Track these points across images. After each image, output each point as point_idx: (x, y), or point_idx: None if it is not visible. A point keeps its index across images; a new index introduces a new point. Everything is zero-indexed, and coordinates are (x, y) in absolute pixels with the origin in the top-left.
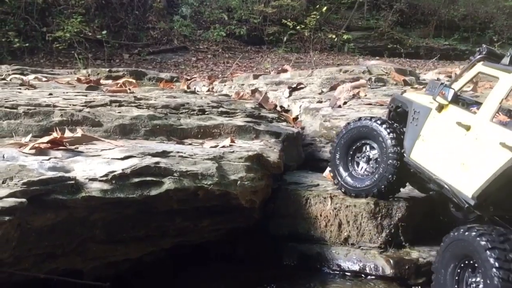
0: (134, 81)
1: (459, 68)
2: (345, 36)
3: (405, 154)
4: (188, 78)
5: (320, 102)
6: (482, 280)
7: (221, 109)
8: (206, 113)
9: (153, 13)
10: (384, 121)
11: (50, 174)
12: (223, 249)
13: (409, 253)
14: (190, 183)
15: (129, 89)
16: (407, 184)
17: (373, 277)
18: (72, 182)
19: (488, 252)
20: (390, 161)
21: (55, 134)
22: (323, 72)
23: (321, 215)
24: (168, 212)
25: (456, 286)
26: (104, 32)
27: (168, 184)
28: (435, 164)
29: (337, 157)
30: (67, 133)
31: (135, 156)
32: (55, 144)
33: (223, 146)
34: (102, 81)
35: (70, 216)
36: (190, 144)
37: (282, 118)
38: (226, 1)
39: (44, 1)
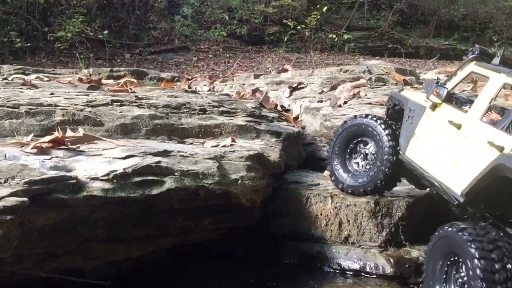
0: (135, 80)
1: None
2: (345, 36)
3: (400, 152)
4: (189, 77)
5: (321, 101)
6: (466, 274)
7: (222, 108)
8: (207, 112)
9: (154, 13)
10: (379, 117)
11: (52, 173)
12: (224, 248)
13: (409, 252)
14: (191, 182)
15: (131, 88)
16: (406, 182)
17: (373, 276)
18: (74, 181)
19: (469, 244)
20: (386, 156)
21: (57, 134)
22: (323, 71)
23: (321, 214)
24: (169, 211)
25: (444, 283)
26: (106, 32)
27: (169, 183)
28: (428, 162)
29: (335, 155)
30: (69, 133)
31: (136, 156)
32: (57, 143)
33: (224, 146)
34: (103, 81)
35: (71, 215)
36: (191, 143)
37: (283, 118)
38: (227, 1)
39: (45, 1)
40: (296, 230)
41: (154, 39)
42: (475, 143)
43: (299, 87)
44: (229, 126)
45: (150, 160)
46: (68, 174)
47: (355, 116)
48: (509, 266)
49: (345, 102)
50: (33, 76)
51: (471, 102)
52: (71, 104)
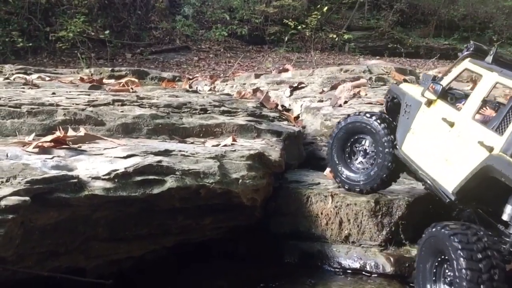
0: (136, 80)
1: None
2: (346, 36)
3: (397, 146)
4: (190, 77)
5: (321, 101)
6: (452, 268)
7: (223, 108)
8: (208, 112)
9: (155, 13)
10: (373, 113)
11: (53, 172)
12: (225, 247)
13: (409, 251)
14: (192, 182)
15: (132, 88)
16: (406, 181)
17: (373, 275)
18: (75, 180)
19: (452, 238)
20: (387, 149)
21: (58, 133)
22: (324, 71)
23: (322, 213)
24: (170, 210)
25: (434, 282)
26: (107, 32)
27: (170, 182)
28: (422, 158)
29: (335, 155)
30: (70, 132)
31: (137, 155)
32: (58, 143)
33: (225, 145)
34: (104, 81)
35: (73, 214)
36: (192, 143)
37: (283, 117)
38: (228, 1)
39: (47, 1)
40: (297, 229)
41: (155, 39)
42: (466, 142)
43: (299, 86)
44: (230, 126)
45: (151, 159)
46: (70, 173)
47: (348, 115)
48: (489, 253)
49: (346, 102)
50: (34, 76)
51: (467, 97)
52: (73, 104)
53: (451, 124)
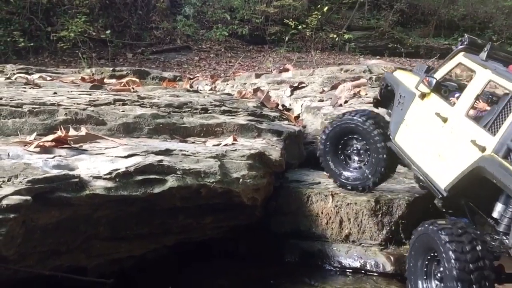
0: (137, 80)
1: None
2: (346, 36)
3: (390, 136)
4: (191, 77)
5: (322, 101)
6: (441, 261)
7: (223, 108)
8: (208, 111)
9: (156, 13)
10: (357, 112)
11: (55, 172)
12: (225, 246)
13: None
14: (193, 181)
15: (133, 88)
16: (406, 180)
17: (373, 274)
18: (76, 180)
19: (439, 232)
20: (379, 144)
21: (60, 133)
22: (324, 71)
23: (322, 213)
24: (171, 209)
25: (425, 279)
26: (108, 31)
27: (171, 182)
28: (415, 151)
29: (330, 159)
30: (72, 132)
31: (138, 154)
32: (60, 142)
33: (226, 145)
34: (106, 80)
35: (74, 213)
36: (193, 142)
37: (284, 117)
38: (228, 1)
39: (48, 1)
40: (297, 228)
41: (156, 38)
42: (459, 140)
43: (300, 86)
44: (230, 125)
45: (152, 159)
46: (71, 173)
47: (338, 116)
48: (478, 248)
49: (346, 102)
50: (36, 76)
51: (459, 89)
52: (74, 103)
53: (445, 120)
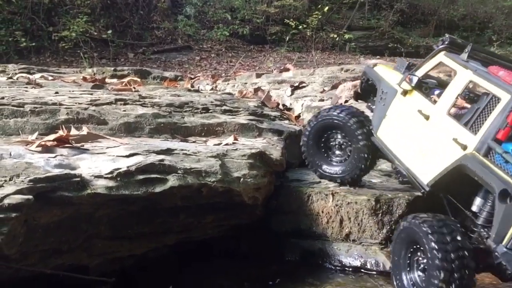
0: (138, 80)
1: None
2: (346, 36)
3: (372, 131)
4: (192, 77)
5: (322, 100)
6: (424, 252)
7: (224, 107)
8: (209, 111)
9: (157, 13)
10: (343, 109)
11: (56, 171)
12: (226, 246)
13: None
14: (194, 180)
15: (134, 87)
16: None
17: (374, 272)
18: (78, 179)
19: (421, 225)
20: (361, 142)
21: (61, 132)
22: (324, 71)
23: (322, 212)
24: (172, 208)
25: (408, 270)
26: (109, 31)
27: (172, 181)
28: (398, 147)
29: (311, 151)
30: (73, 131)
31: (140, 154)
32: (61, 142)
33: (227, 144)
34: (107, 80)
35: (76, 212)
36: (194, 141)
37: (285, 116)
38: (229, 1)
39: (50, 1)
40: (298, 227)
41: (157, 38)
42: (441, 137)
43: (300, 86)
44: (231, 125)
45: (154, 158)
46: (73, 172)
47: (319, 113)
48: (458, 238)
49: (346, 101)
50: (37, 75)
51: (439, 87)
52: (76, 103)
53: (427, 117)
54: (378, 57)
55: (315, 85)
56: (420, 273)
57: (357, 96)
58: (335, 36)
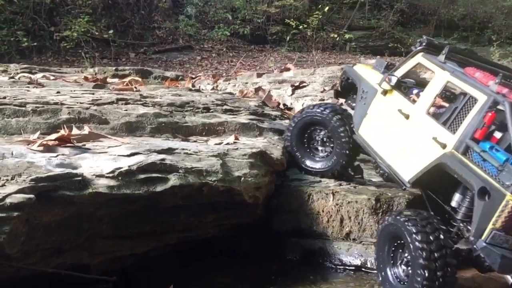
0: (140, 79)
1: None
2: (346, 36)
3: (354, 129)
4: (193, 76)
5: (322, 100)
6: (407, 249)
7: (225, 107)
8: (210, 111)
9: (158, 13)
10: (326, 106)
11: (58, 170)
12: (227, 245)
13: None
14: (195, 179)
15: (135, 87)
16: None
17: (374, 271)
18: (79, 178)
19: (406, 223)
20: (343, 139)
21: (63, 132)
22: (325, 70)
23: (323, 211)
24: (173, 207)
25: (392, 265)
26: (111, 31)
27: (173, 180)
28: (379, 144)
29: (295, 147)
30: (75, 131)
31: (141, 153)
32: (63, 141)
33: (227, 143)
34: (108, 80)
35: (77, 211)
36: (195, 141)
37: (285, 116)
38: (230, 1)
39: (52, 1)
40: (298, 226)
41: (158, 38)
42: (421, 136)
43: (301, 85)
44: (232, 124)
45: (155, 157)
46: (74, 171)
47: (302, 109)
48: (441, 237)
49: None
50: (39, 75)
51: (416, 86)
52: (77, 103)
53: (407, 117)
54: (378, 56)
55: (315, 84)
56: (404, 267)
57: (337, 94)
58: (336, 36)
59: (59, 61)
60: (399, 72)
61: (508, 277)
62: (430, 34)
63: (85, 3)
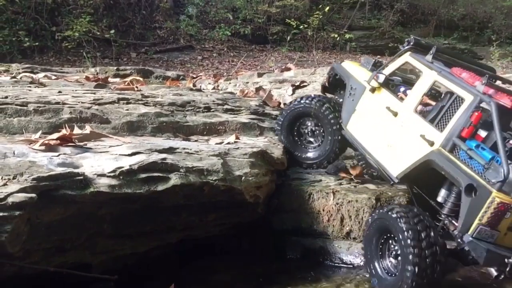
0: (141, 79)
1: None
2: (347, 35)
3: (342, 125)
4: (194, 76)
5: None
6: (399, 245)
7: (226, 106)
8: (211, 110)
9: (160, 13)
10: (313, 97)
11: (59, 170)
12: (228, 243)
13: None
14: (196, 179)
15: (137, 87)
16: None
17: None
18: (81, 177)
19: (398, 220)
20: (334, 127)
21: (64, 131)
22: (325, 70)
23: (323, 210)
24: (174, 207)
25: (381, 257)
26: (112, 31)
27: (174, 179)
28: (367, 140)
29: (286, 141)
30: (76, 130)
31: (142, 153)
32: (64, 140)
33: (228, 143)
34: (110, 79)
35: (78, 211)
36: (196, 140)
37: None
38: (231, 1)
39: (53, 1)
40: (299, 225)
41: (159, 38)
42: (409, 133)
43: (301, 85)
44: (233, 124)
45: (156, 157)
46: (76, 170)
47: (290, 102)
48: (431, 234)
49: None
50: (41, 75)
51: (403, 84)
52: (79, 102)
53: (395, 114)
54: (378, 56)
55: (316, 84)
56: (392, 260)
57: (324, 90)
58: (336, 35)
59: (61, 61)
60: (387, 70)
61: (492, 269)
62: (430, 34)
63: (87, 3)
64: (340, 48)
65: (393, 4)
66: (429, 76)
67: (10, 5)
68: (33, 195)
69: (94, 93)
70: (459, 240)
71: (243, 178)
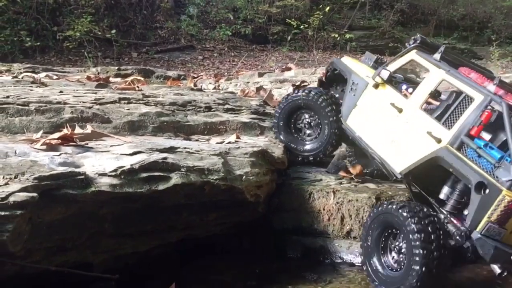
0: (142, 79)
1: None
2: (347, 35)
3: (341, 119)
4: (195, 76)
5: None
6: (405, 242)
7: (227, 106)
8: (212, 110)
9: (160, 13)
10: (310, 89)
11: (61, 169)
12: (229, 242)
13: None
14: (197, 178)
15: (138, 86)
16: None
17: None
18: (82, 177)
19: (409, 220)
20: (331, 118)
21: (66, 131)
22: None
23: (324, 209)
24: (175, 206)
25: (381, 251)
26: (113, 31)
27: (175, 179)
28: (369, 135)
29: (282, 135)
30: (77, 130)
31: (143, 152)
32: (66, 140)
33: (229, 142)
34: (111, 79)
35: (80, 210)
36: (196, 140)
37: None
38: (231, 1)
39: (55, 1)
40: (299, 224)
41: (160, 38)
42: (414, 130)
43: (302, 85)
44: (233, 123)
45: (157, 156)
46: (77, 170)
47: (288, 95)
48: (441, 237)
49: None
50: (42, 75)
51: (406, 82)
52: (80, 102)
53: (400, 110)
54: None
55: (316, 84)
56: (394, 255)
57: (320, 84)
58: (336, 35)
59: (62, 60)
60: (392, 67)
61: (496, 267)
62: (430, 34)
63: (88, 3)
64: (341, 48)
65: (393, 4)
66: (436, 74)
67: (12, 5)
68: (35, 194)
69: (95, 93)
70: (458, 237)
71: (243, 177)
